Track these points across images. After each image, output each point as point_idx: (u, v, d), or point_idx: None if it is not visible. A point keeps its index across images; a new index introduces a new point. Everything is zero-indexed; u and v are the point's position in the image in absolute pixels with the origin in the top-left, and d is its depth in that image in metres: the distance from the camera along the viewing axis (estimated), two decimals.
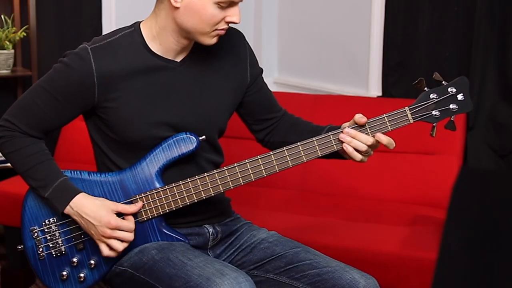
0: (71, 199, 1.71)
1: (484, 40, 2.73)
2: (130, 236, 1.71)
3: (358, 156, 1.69)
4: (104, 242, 1.71)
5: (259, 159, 1.69)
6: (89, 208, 1.70)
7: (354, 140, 1.68)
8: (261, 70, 1.91)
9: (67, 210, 1.71)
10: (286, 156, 1.69)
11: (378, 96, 3.19)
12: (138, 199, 1.74)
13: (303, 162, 1.70)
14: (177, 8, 1.67)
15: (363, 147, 1.67)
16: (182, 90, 1.76)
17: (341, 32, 3.38)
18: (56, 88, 1.72)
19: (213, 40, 1.71)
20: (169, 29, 1.71)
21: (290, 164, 1.69)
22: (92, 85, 1.69)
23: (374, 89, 3.22)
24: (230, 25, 1.73)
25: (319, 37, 3.50)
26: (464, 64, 2.84)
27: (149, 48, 1.74)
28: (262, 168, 1.69)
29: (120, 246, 1.70)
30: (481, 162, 2.78)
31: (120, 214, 1.72)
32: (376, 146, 1.70)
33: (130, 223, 1.72)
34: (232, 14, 1.68)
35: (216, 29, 1.69)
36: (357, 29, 3.29)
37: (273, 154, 1.69)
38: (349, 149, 1.68)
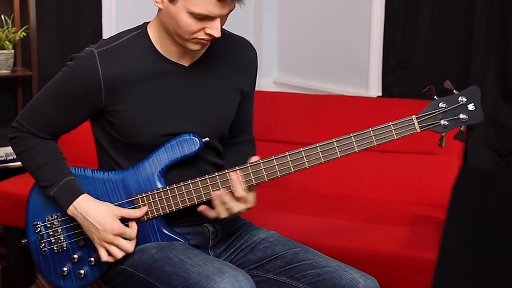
0: (75, 199, 1.72)
1: (484, 40, 2.73)
2: (130, 245, 1.72)
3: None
4: (104, 247, 1.72)
5: (261, 163, 1.68)
6: (94, 211, 1.71)
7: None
8: (254, 87, 1.91)
9: (71, 210, 1.72)
10: (288, 161, 1.67)
11: (378, 96, 3.19)
12: (142, 205, 1.74)
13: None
14: (161, 9, 1.66)
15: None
16: (188, 96, 1.76)
17: (341, 32, 3.38)
18: (63, 92, 1.73)
19: (196, 47, 1.67)
20: (164, 31, 1.71)
21: (292, 170, 1.67)
22: (99, 89, 1.69)
23: (374, 89, 3.22)
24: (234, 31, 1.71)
25: (319, 37, 3.50)
26: (464, 64, 2.84)
27: (157, 50, 1.73)
28: (264, 173, 1.68)
29: (119, 254, 1.72)
30: (481, 162, 2.77)
31: (123, 220, 1.73)
32: (243, 203, 1.69)
33: (133, 231, 1.73)
34: (211, 27, 1.62)
35: (196, 38, 1.64)
36: (357, 29, 3.29)
37: (275, 158, 1.68)
38: (216, 192, 1.68)
